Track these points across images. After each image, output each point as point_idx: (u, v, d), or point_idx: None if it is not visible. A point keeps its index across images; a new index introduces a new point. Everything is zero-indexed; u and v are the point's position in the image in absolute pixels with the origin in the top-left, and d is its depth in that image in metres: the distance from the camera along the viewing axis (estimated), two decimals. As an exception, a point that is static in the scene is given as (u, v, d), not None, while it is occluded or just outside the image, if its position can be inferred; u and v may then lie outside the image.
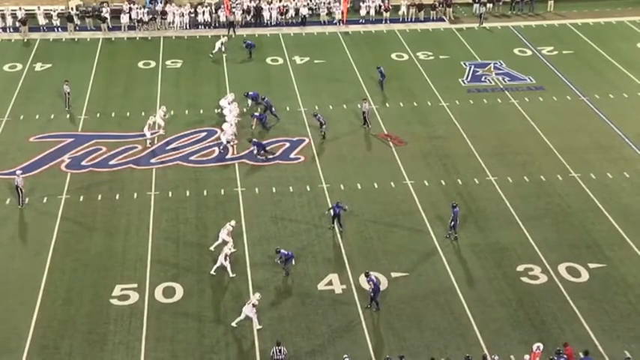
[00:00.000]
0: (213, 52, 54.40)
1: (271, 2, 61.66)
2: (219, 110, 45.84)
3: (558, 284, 32.84)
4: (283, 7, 61.46)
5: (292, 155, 42.10)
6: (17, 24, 58.24)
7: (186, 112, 46.62)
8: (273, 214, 37.07)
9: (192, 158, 41.79)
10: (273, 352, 28.10)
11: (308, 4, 62.14)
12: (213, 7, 60.53)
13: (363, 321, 30.72)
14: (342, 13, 61.09)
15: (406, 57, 55.26)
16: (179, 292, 32.18)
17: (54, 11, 59.50)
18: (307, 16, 61.25)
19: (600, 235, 36.07)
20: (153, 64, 53.76)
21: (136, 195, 38.60)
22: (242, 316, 29.99)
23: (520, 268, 33.83)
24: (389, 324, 30.65)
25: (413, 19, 62.24)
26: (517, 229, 36.38)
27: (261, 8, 60.98)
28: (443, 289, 32.49)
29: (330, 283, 32.80)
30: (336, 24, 61.08)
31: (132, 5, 59.81)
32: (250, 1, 61.33)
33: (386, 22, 61.58)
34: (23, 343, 29.40)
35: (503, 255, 34.66)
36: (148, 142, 42.59)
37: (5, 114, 46.09)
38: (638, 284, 32.94)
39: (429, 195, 38.86)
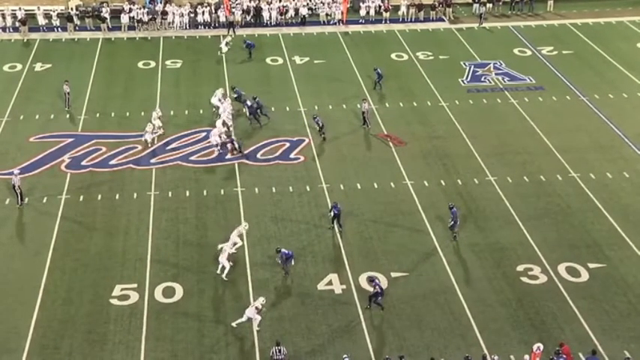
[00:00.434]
0: (223, 52, 54.41)
1: (271, 2, 61.67)
2: (215, 110, 45.75)
3: (558, 284, 32.83)
4: (283, 7, 61.49)
5: (292, 155, 42.10)
6: (17, 24, 58.28)
7: (186, 112, 46.64)
8: (273, 214, 37.07)
9: (192, 158, 41.81)
10: (272, 352, 28.08)
11: (307, 4, 62.17)
12: (212, 7, 60.55)
13: (363, 321, 30.72)
14: (342, 13, 61.10)
15: (406, 57, 55.27)
16: (179, 292, 32.18)
17: (54, 11, 59.55)
18: (307, 16, 61.29)
19: (600, 235, 36.07)
20: (153, 64, 53.77)
21: (135, 195, 38.60)
22: (244, 318, 29.98)
23: (520, 268, 33.83)
24: (389, 324, 30.66)
25: (413, 19, 62.27)
26: (517, 229, 36.38)
27: (261, 8, 61.02)
28: (443, 289, 32.49)
29: (330, 283, 32.80)
30: (335, 24, 61.08)
31: (132, 6, 59.82)
32: (250, 1, 61.37)
33: (386, 22, 61.61)
34: (23, 342, 29.40)
35: (502, 255, 34.66)
36: (149, 142, 42.61)
37: (5, 114, 46.11)
38: (637, 284, 32.95)
39: (428, 195, 38.86)
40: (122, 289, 32.21)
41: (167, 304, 31.56)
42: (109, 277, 32.94)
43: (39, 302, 31.49)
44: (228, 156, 41.97)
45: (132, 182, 39.58)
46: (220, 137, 42.43)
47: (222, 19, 60.07)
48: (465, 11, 64.19)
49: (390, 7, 61.83)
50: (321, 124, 43.20)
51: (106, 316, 30.81)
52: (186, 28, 59.84)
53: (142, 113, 45.82)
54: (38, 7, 59.66)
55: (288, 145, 42.95)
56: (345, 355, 27.89)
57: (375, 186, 39.53)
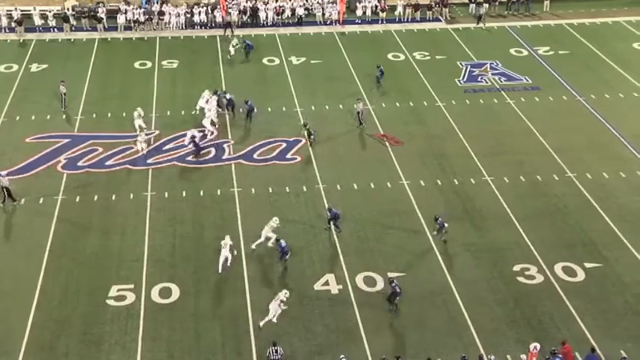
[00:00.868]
0: (232, 54, 54.07)
1: (267, 2, 61.67)
2: (200, 111, 45.67)
3: (555, 284, 32.94)
4: (279, 7, 61.47)
5: (289, 156, 42.12)
6: (13, 24, 58.13)
7: (182, 112, 46.56)
8: (270, 214, 36.81)
9: (188, 159, 41.84)
10: (269, 353, 28.14)
11: (304, 4, 62.20)
12: (209, 8, 60.53)
13: (360, 321, 30.78)
14: (339, 13, 61.14)
15: (402, 57, 55.29)
16: (175, 292, 32.19)
17: (50, 11, 59.42)
18: (303, 16, 61.31)
19: (596, 234, 36.17)
20: (149, 64, 53.71)
21: (132, 195, 38.62)
22: (270, 316, 30.13)
23: (516, 267, 33.93)
24: (385, 324, 30.72)
25: (409, 20, 62.25)
26: (513, 228, 36.48)
27: (258, 8, 60.97)
28: (439, 289, 32.57)
29: (326, 283, 32.86)
30: (330, 24, 61.08)
31: (127, 7, 59.78)
32: (247, 2, 61.38)
33: (382, 23, 61.57)
34: (19, 343, 29.41)
35: (499, 255, 34.75)
36: (141, 148, 42.21)
37: (1, 114, 45.98)
38: (634, 284, 33.07)
39: (425, 195, 38.94)
40: (119, 290, 32.23)
41: (163, 304, 31.57)
42: (105, 278, 32.96)
43: (35, 303, 31.49)
44: (225, 156, 42.05)
45: (128, 183, 39.59)
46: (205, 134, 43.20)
47: (219, 19, 60.04)
48: (461, 11, 64.20)
49: (387, 7, 61.83)
50: (312, 132, 42.85)
51: (103, 317, 30.82)
52: (182, 29, 59.75)
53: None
54: (34, 8, 59.47)
55: (284, 145, 42.94)
56: (342, 356, 27.97)
57: (372, 186, 39.58)
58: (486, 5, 63.02)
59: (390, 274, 33.01)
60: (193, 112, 46.14)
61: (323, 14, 61.46)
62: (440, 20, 62.48)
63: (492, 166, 41.30)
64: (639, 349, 29.36)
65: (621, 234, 36.13)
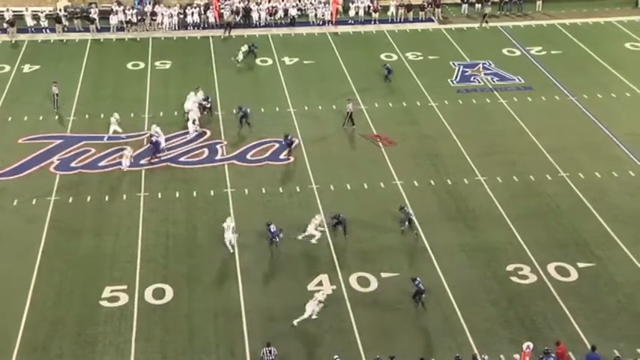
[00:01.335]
0: (239, 59, 53.57)
1: (260, 3, 61.79)
2: (186, 114, 45.54)
3: (548, 284, 33.07)
4: (272, 7, 61.61)
5: (282, 156, 42.22)
6: (5, 25, 58.04)
7: (175, 113, 46.60)
8: (263, 214, 37.05)
9: (181, 159, 41.93)
10: (263, 353, 28.21)
11: (297, 4, 62.32)
12: (202, 8, 60.62)
13: (354, 321, 30.90)
14: (332, 14, 61.27)
15: (395, 57, 55.41)
16: (169, 293, 32.27)
17: (42, 12, 59.38)
18: (296, 16, 61.43)
19: (589, 234, 36.33)
20: (142, 65, 53.80)
21: (125, 196, 38.70)
22: (306, 315, 30.35)
23: (510, 267, 34.06)
24: (379, 324, 30.84)
25: (402, 20, 62.42)
26: (506, 228, 36.65)
27: (250, 9, 61.07)
28: (433, 289, 32.59)
29: (320, 283, 32.94)
30: (322, 24, 61.20)
31: (118, 8, 59.77)
32: (240, 2, 61.45)
33: (375, 23, 61.74)
34: (13, 344, 29.46)
35: (492, 255, 34.88)
36: (124, 168, 41.10)
37: (-6, 115, 46.22)
38: (626, 283, 33.22)
39: (418, 195, 39.07)
40: (112, 291, 32.27)
41: (157, 305, 31.66)
42: (98, 279, 33.01)
43: (28, 304, 31.54)
44: (218, 157, 42.19)
45: (121, 183, 39.63)
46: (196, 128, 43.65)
47: (212, 20, 60.17)
48: (454, 12, 64.38)
49: (379, 8, 61.99)
50: (292, 141, 42.44)
51: (96, 318, 30.87)
52: (175, 29, 59.85)
53: (132, 114, 45.87)
54: (26, 8, 59.41)
55: (277, 145, 43.01)
56: (336, 356, 27.99)
57: (365, 186, 39.72)
58: (478, 6, 63.49)
59: (384, 274, 33.21)
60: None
61: (315, 15, 61.59)
62: (432, 20, 62.68)
63: (485, 166, 41.47)
64: (632, 349, 29.50)
65: (614, 233, 36.30)
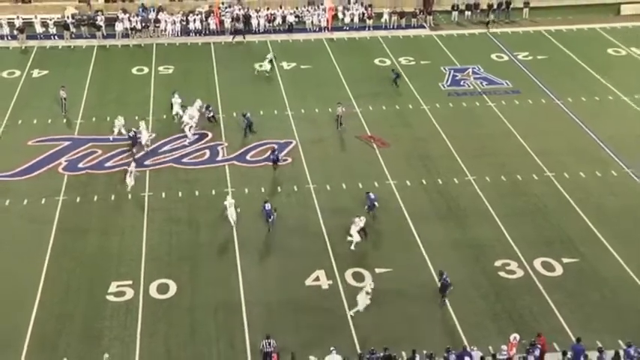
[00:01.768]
0: (267, 69, 53.28)
1: (259, 10, 62.47)
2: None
3: (534, 278, 33.65)
4: (271, 14, 62.24)
5: (280, 157, 42.50)
6: (15, 32, 58.70)
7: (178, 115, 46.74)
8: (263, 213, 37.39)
9: (184, 160, 42.52)
10: (262, 345, 28.65)
11: (294, 11, 63.13)
12: (203, 16, 61.17)
13: (349, 316, 31.50)
14: (327, 20, 62.01)
15: (389, 62, 55.86)
16: (172, 288, 32.85)
17: (50, 20, 59.92)
18: (294, 23, 62.19)
19: (574, 232, 36.89)
20: (146, 70, 54.30)
21: (130, 196, 39.17)
22: (359, 307, 31.07)
23: (498, 263, 34.68)
24: (374, 317, 31.36)
25: (395, 26, 63.09)
26: (495, 226, 37.23)
27: (250, 16, 61.68)
28: (424, 284, 33.18)
29: (317, 278, 33.54)
30: (319, 31, 61.88)
31: (124, 15, 60.36)
32: (240, 9, 62.13)
33: (369, 29, 62.38)
34: (23, 339, 30.05)
35: (481, 251, 35.47)
36: (129, 186, 40.25)
37: (4, 118, 46.54)
38: (610, 278, 33.82)
39: (411, 194, 39.64)
40: (118, 286, 32.80)
41: (161, 300, 32.23)
42: (105, 275, 33.50)
43: (38, 300, 32.05)
44: (219, 158, 42.80)
45: (127, 183, 39.68)
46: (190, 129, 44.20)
47: (213, 26, 60.80)
48: (444, 19, 64.90)
49: (373, 15, 62.68)
50: (277, 158, 41.76)
51: (103, 312, 31.41)
52: (177, 36, 60.33)
53: (136, 117, 45.89)
54: (35, 16, 60.13)
55: (276, 147, 43.03)
56: (332, 348, 28.57)
57: (360, 186, 40.16)
58: (468, 13, 64.16)
59: (378, 270, 33.82)
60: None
61: (312, 21, 62.26)
62: (424, 27, 63.31)
63: (475, 167, 41.94)
64: (615, 342, 29.86)
65: (597, 231, 36.93)
